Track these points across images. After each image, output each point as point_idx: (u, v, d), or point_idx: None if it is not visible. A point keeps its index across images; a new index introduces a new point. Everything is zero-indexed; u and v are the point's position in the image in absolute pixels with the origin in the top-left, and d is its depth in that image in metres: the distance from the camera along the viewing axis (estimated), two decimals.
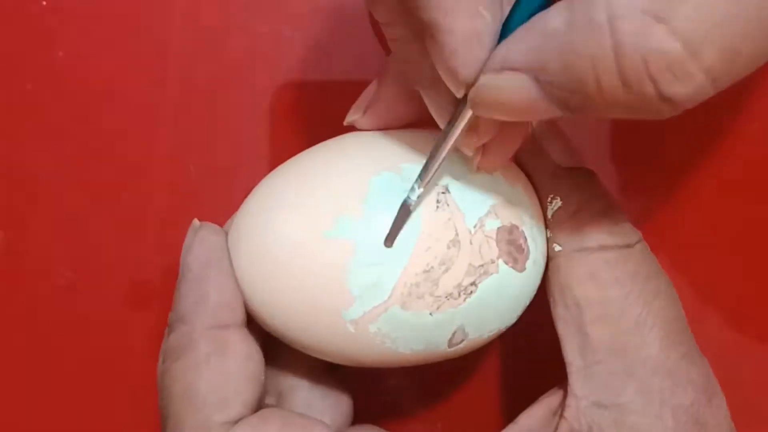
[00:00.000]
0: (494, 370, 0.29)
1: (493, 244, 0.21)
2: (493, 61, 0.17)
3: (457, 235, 0.20)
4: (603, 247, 0.21)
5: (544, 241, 0.22)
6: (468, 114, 0.18)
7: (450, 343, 0.21)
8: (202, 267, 0.21)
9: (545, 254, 0.22)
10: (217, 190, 0.28)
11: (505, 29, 0.17)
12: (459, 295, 0.20)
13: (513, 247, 0.21)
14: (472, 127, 0.19)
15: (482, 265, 0.20)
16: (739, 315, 0.29)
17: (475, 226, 0.20)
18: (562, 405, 0.21)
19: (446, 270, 0.20)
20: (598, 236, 0.21)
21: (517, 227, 0.21)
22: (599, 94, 0.15)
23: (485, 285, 0.20)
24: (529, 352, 0.28)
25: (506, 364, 0.29)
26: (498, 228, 0.21)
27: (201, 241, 0.22)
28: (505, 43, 0.17)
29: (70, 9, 0.28)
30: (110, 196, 0.28)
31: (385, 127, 0.22)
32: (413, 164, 0.21)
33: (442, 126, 0.20)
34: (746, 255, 0.28)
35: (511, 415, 0.23)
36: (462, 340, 0.21)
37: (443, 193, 0.21)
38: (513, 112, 0.17)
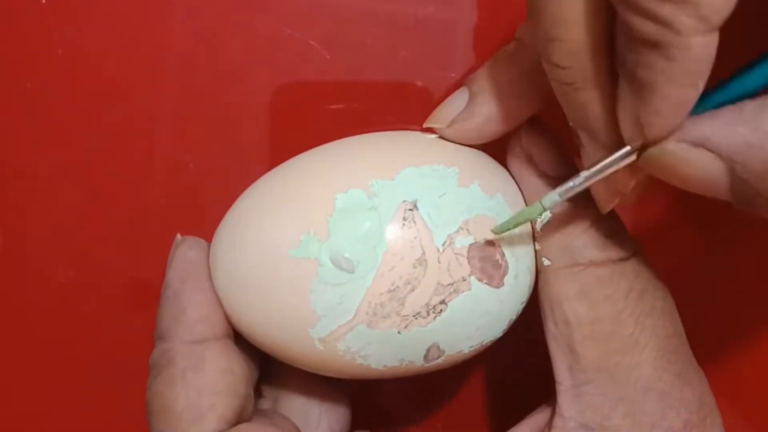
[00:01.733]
0: (495, 377, 0.29)
1: (464, 261, 0.20)
2: (692, 135, 0.17)
3: (423, 254, 0.20)
4: (593, 264, 0.20)
5: (531, 255, 0.21)
6: (627, 161, 0.18)
7: (426, 359, 0.21)
8: (180, 283, 0.21)
9: (532, 268, 0.22)
10: (216, 190, 0.28)
11: (704, 101, 0.17)
12: (428, 314, 0.20)
13: (488, 264, 0.20)
14: (627, 172, 0.19)
15: (452, 284, 0.20)
16: (739, 315, 0.29)
17: (444, 244, 0.20)
18: (549, 425, 0.21)
19: (412, 289, 0.20)
20: (588, 252, 0.21)
21: (492, 243, 0.21)
22: None
23: (456, 303, 0.20)
24: (526, 362, 0.28)
25: (505, 370, 0.29)
26: (470, 245, 0.20)
27: (179, 257, 0.22)
28: (709, 120, 0.16)
29: (69, 8, 0.28)
30: (110, 196, 0.28)
31: (466, 143, 0.22)
32: (382, 180, 0.20)
33: (585, 163, 0.19)
34: (746, 254, 0.29)
35: (503, 423, 0.23)
36: (439, 356, 0.21)
37: (410, 210, 0.20)
38: (686, 182, 0.17)
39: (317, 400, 0.24)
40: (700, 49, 0.15)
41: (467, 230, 0.20)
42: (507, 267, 0.21)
